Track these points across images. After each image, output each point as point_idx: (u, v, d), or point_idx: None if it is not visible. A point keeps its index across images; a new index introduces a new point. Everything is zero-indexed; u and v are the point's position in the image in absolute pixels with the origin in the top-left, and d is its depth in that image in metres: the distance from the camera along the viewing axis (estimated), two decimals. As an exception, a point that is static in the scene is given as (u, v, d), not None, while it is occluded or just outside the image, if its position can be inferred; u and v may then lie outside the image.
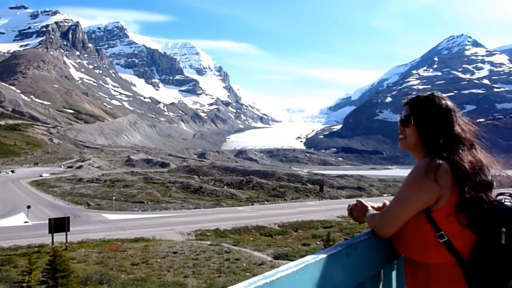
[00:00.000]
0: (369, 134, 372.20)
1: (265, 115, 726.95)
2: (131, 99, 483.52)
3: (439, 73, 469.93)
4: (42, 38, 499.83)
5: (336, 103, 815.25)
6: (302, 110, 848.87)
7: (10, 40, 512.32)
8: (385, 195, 54.94)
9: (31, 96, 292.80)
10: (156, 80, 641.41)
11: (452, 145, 1.45)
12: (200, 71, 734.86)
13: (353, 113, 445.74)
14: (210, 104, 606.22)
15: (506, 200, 1.41)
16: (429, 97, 1.54)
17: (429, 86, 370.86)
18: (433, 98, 1.53)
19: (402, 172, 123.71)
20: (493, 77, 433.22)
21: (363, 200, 1.65)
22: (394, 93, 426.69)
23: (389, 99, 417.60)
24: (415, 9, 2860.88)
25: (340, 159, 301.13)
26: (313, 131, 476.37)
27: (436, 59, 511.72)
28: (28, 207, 33.33)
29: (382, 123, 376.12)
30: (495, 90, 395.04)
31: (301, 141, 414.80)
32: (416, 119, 1.52)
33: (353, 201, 1.68)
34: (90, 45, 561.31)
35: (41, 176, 77.89)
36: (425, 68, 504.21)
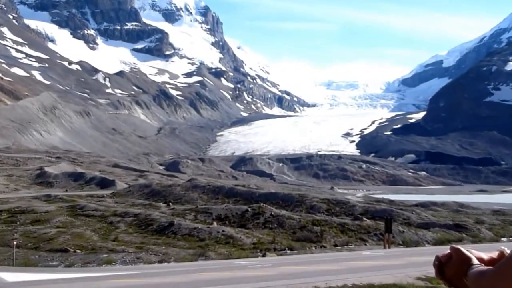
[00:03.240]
0: (476, 129, 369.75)
1: (288, 93, 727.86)
2: (46, 65, 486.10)
3: None
4: None
5: (415, 72, 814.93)
6: (353, 85, 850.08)
7: None
8: (503, 239, 54.83)
9: None
10: (92, 32, 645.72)
11: None
12: (170, 16, 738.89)
13: (447, 91, 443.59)
14: (189, 75, 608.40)
15: None
16: None
17: None
18: None
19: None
20: None
21: (463, 248, 1.67)
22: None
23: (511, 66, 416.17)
24: None
25: (423, 173, 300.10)
26: (373, 122, 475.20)
27: None
28: None
29: (499, 109, 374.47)
30: None
31: (352, 141, 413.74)
32: None
33: (445, 249, 1.70)
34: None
35: None
36: None
